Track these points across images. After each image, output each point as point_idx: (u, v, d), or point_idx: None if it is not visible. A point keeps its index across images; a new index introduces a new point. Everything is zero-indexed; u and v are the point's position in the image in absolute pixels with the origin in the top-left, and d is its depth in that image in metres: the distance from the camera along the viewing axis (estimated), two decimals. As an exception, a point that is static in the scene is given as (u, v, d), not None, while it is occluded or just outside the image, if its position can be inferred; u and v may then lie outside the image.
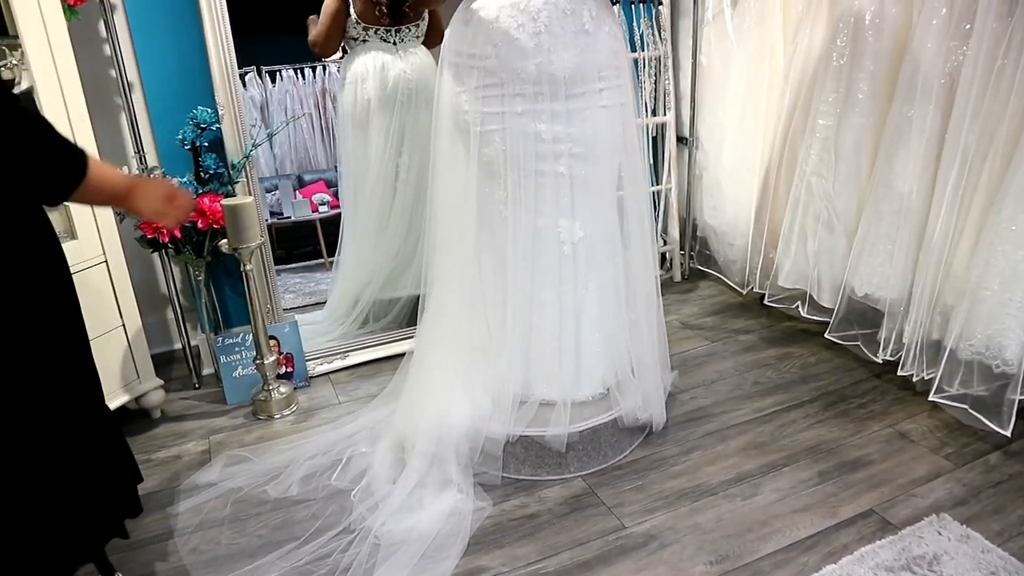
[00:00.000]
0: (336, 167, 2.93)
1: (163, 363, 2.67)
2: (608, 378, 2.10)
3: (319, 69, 2.95)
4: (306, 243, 3.15)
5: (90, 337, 2.07)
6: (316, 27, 2.57)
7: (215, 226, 2.28)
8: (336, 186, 2.97)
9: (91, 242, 2.12)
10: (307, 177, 3.11)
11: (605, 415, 2.03)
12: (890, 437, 2.10)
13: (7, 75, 2.01)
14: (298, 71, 2.94)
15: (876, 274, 2.29)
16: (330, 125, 2.99)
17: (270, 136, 2.56)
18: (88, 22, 2.30)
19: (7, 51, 2.01)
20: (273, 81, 2.92)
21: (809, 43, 2.49)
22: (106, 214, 2.15)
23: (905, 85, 2.16)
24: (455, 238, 1.98)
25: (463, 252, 1.97)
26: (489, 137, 1.84)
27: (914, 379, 2.23)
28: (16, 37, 1.94)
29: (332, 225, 2.91)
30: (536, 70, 1.78)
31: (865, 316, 2.42)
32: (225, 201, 2.17)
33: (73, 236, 2.09)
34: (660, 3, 2.94)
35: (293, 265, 3.13)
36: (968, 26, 1.99)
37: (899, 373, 2.24)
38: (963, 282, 2.04)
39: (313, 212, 3.06)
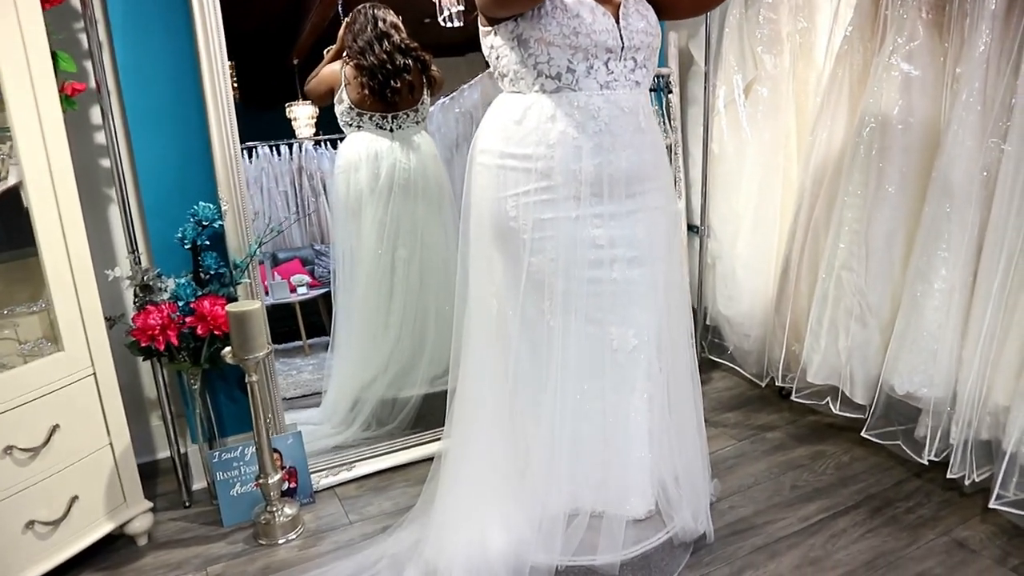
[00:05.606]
0: (312, 245, 2.82)
1: (147, 475, 2.40)
2: (656, 491, 1.94)
3: (295, 147, 2.82)
4: (283, 324, 2.94)
5: (75, 459, 1.89)
6: (313, 79, 2.52)
7: (215, 332, 2.07)
8: (311, 264, 2.84)
9: (79, 353, 1.90)
10: (282, 255, 2.94)
11: (655, 537, 1.86)
12: (948, 547, 1.97)
13: (-5, 171, 1.83)
14: (273, 148, 2.80)
15: (918, 372, 2.19)
16: (306, 202, 2.84)
17: (276, 233, 2.37)
18: (81, 109, 2.13)
19: (-4, 145, 1.83)
20: (249, 158, 2.77)
21: (830, 135, 2.45)
22: (96, 319, 1.94)
23: (940, 180, 2.10)
24: (487, 351, 1.82)
25: (496, 366, 1.81)
26: (540, 245, 1.70)
27: (965, 481, 2.12)
28: (7, 129, 1.76)
29: (311, 306, 2.76)
30: (595, 171, 1.67)
31: (902, 412, 2.32)
32: (230, 307, 1.96)
33: (59, 348, 1.87)
34: (670, 91, 2.91)
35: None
36: (1006, 124, 1.96)
37: (948, 476, 2.13)
38: (1015, 382, 1.96)
39: (292, 293, 2.87)
